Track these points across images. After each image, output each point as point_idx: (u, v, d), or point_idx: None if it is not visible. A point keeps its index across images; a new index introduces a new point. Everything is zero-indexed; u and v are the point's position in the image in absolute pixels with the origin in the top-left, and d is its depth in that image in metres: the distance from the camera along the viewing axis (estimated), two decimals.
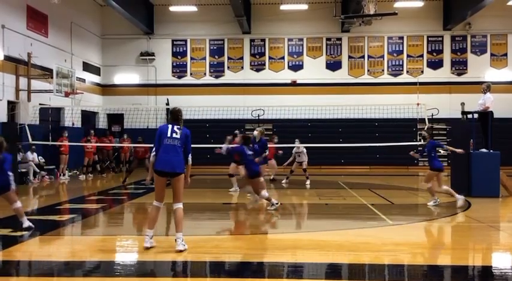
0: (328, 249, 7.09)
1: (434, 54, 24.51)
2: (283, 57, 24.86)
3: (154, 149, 6.94)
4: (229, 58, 25.00)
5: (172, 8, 24.16)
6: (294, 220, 10.42)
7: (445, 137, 21.63)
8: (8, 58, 16.59)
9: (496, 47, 24.25)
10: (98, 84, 24.50)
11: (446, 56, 24.44)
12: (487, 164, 12.43)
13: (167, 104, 23.16)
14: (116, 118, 24.64)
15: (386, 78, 24.51)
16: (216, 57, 25.04)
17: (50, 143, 18.21)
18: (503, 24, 23.85)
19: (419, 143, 15.71)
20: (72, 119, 20.65)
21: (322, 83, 24.20)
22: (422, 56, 24.55)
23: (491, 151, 12.64)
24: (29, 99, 17.67)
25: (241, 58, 24.94)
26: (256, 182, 10.52)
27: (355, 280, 5.84)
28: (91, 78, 23.57)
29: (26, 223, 8.09)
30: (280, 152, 16.96)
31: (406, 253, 6.84)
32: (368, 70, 24.65)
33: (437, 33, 24.41)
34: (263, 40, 24.90)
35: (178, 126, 6.92)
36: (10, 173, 8.08)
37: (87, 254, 6.82)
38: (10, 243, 7.31)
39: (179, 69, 25.15)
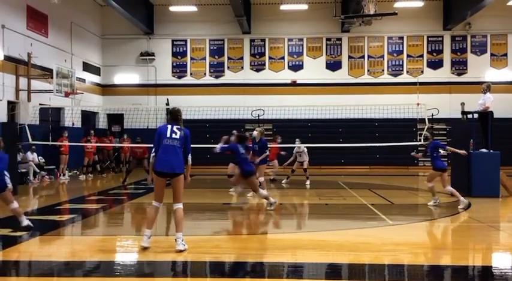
0: (328, 249, 7.09)
1: (434, 54, 24.51)
2: (283, 57, 24.86)
3: (154, 149, 6.94)
4: (229, 58, 25.01)
5: (172, 8, 24.16)
6: (294, 220, 10.42)
7: (445, 137, 21.62)
8: (8, 58, 16.59)
9: (496, 47, 24.25)
10: (98, 84, 24.50)
11: (446, 56, 24.44)
12: (487, 164, 12.42)
13: (167, 104, 23.17)
14: (116, 118, 24.64)
15: (386, 78, 24.51)
16: (216, 57, 25.04)
17: (50, 143, 18.20)
18: (503, 24, 23.85)
19: (419, 143, 15.73)
20: (72, 119, 20.65)
21: (322, 83, 24.20)
22: (422, 56, 24.55)
23: (491, 151, 12.65)
24: (29, 100, 17.67)
25: (241, 58, 24.94)
26: (250, 181, 10.54)
27: (355, 280, 5.84)
28: (91, 78, 23.57)
29: (25, 222, 8.08)
30: (283, 152, 16.99)
31: (406, 253, 6.83)
32: (368, 70, 24.65)
33: (437, 33, 24.40)
34: (263, 40, 24.91)
35: (178, 127, 6.92)
36: (6, 173, 8.06)
37: (87, 254, 6.82)
38: (10, 243, 7.31)
39: (179, 69, 25.15)
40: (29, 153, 16.56)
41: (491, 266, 6.50)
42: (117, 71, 25.00)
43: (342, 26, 23.73)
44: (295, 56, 24.82)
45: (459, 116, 15.43)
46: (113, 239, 7.86)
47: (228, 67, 24.98)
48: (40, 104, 17.99)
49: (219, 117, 21.78)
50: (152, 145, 7.05)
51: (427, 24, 24.32)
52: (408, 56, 24.56)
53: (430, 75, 24.31)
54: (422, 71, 24.45)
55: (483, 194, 12.17)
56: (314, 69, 24.60)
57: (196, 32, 24.66)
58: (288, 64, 24.81)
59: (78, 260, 6.46)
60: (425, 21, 24.28)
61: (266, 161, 13.33)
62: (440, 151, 11.36)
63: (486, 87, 12.90)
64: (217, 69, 25.03)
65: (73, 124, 20.73)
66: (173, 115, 7.03)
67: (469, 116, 13.30)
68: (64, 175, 18.16)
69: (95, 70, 24.14)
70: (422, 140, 12.05)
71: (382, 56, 24.63)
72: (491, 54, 24.26)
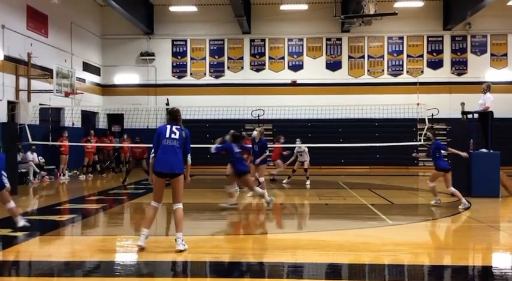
0: (328, 249, 7.08)
1: (434, 54, 24.51)
2: (283, 57, 24.86)
3: (153, 150, 6.93)
4: (229, 58, 25.01)
5: (172, 8, 24.16)
6: (294, 220, 10.42)
7: (445, 137, 21.61)
8: (8, 58, 16.59)
9: (496, 47, 24.25)
10: (98, 85, 24.50)
11: (446, 56, 24.44)
12: (487, 164, 12.42)
13: (167, 104, 23.17)
14: (116, 118, 24.64)
15: (386, 78, 24.51)
16: (216, 57, 25.04)
17: (50, 143, 18.20)
18: (503, 24, 23.85)
19: (419, 143, 15.72)
20: (72, 119, 20.65)
21: (322, 83, 24.20)
22: (422, 56, 24.55)
23: (491, 151, 12.65)
24: (29, 100, 17.67)
25: (241, 58, 24.94)
26: (245, 180, 10.54)
27: (355, 280, 5.84)
28: (91, 78, 23.57)
29: (21, 222, 8.06)
30: (285, 152, 17.00)
31: (406, 253, 6.83)
32: (368, 70, 24.65)
33: (437, 33, 24.40)
34: (263, 40, 24.90)
35: (178, 127, 6.92)
36: (4, 173, 8.04)
37: (87, 254, 6.82)
38: (10, 243, 7.30)
39: (179, 69, 25.15)
40: (29, 153, 16.55)
41: (491, 266, 6.50)
42: (117, 71, 25.00)
43: (342, 26, 23.73)
44: (295, 56, 24.81)
45: (459, 116, 15.42)
46: (113, 239, 7.86)
47: (228, 67, 24.98)
48: (40, 104, 17.99)
49: (219, 118, 21.76)
50: (152, 145, 7.05)
51: (427, 24, 24.32)
52: (408, 56, 24.56)
53: (430, 75, 24.31)
54: (422, 71, 24.45)
55: (483, 194, 12.17)
56: (314, 69, 24.60)
57: (196, 32, 24.66)
58: (288, 64, 24.81)
59: (78, 260, 6.46)
60: (425, 21, 24.28)
61: (266, 161, 13.32)
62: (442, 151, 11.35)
63: (486, 87, 12.90)
64: (217, 69, 25.02)
65: (73, 124, 20.73)
66: (172, 115, 7.02)
67: (469, 116, 13.30)
68: (64, 175, 18.16)
69: (95, 70, 24.14)
70: (423, 140, 12.03)
71: (382, 56, 24.63)
72: (491, 54, 24.26)
